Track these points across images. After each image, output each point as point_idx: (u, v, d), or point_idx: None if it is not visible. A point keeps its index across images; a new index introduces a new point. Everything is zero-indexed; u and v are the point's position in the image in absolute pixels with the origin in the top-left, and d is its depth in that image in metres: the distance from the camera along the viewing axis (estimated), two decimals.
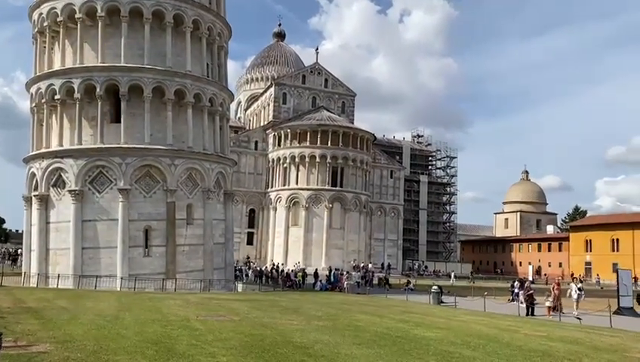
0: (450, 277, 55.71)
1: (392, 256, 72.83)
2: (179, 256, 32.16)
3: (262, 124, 72.95)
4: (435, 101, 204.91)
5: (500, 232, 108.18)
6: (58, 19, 32.75)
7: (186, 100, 33.37)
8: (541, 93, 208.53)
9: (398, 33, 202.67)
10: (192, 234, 33.19)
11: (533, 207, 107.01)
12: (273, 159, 67.48)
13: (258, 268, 47.90)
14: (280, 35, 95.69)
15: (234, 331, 11.65)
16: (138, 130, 31.78)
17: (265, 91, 75.89)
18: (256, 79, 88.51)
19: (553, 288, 23.01)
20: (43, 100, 33.20)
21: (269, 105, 72.25)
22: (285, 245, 63.59)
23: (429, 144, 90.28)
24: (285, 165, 65.41)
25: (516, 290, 28.13)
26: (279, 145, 66.61)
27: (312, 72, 72.37)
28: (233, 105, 73.01)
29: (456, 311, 22.22)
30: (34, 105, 34.22)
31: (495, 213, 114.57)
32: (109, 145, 31.44)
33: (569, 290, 23.34)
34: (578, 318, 20.23)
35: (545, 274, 70.61)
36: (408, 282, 37.59)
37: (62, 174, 31.78)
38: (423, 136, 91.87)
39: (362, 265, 55.13)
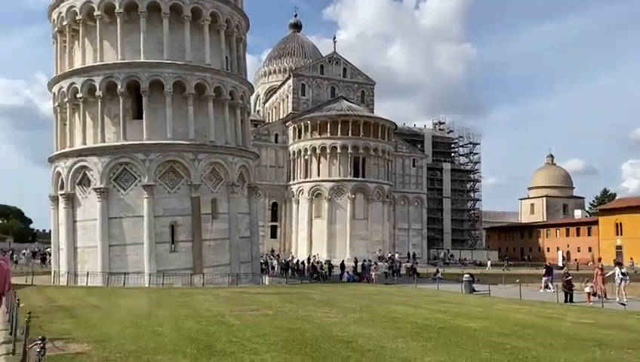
0: (479, 265, 54.82)
1: (417, 245, 72.10)
2: (205, 250, 32.03)
3: (281, 117, 72.59)
4: (453, 87, 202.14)
5: (525, 218, 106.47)
6: (77, 18, 32.68)
7: (206, 94, 33.12)
8: (562, 76, 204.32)
9: (414, 20, 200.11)
10: (218, 229, 33.02)
11: (560, 192, 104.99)
12: (294, 151, 67.11)
13: (284, 261, 47.70)
14: (296, 26, 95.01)
15: (271, 326, 11.29)
16: (160, 125, 31.61)
17: (283, 83, 75.49)
18: (274, 71, 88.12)
19: (596, 274, 22.19)
20: (65, 99, 33.26)
21: (287, 97, 71.85)
22: (309, 237, 63.32)
23: (451, 131, 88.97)
24: (306, 157, 65.01)
25: (544, 278, 27.28)
26: (299, 137, 66.20)
27: (330, 61, 71.68)
28: (252, 99, 72.90)
29: (492, 300, 21.59)
30: (57, 104, 34.31)
31: (520, 199, 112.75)
32: (131, 142, 31.33)
33: (611, 275, 22.49)
34: (622, 304, 19.45)
35: (575, 260, 69.20)
36: (437, 271, 36.92)
37: (87, 172, 31.82)
38: (444, 123, 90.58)
39: (389, 255, 54.59)
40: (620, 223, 71.18)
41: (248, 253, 35.39)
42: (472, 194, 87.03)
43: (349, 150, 62.71)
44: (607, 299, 20.47)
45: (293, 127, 67.17)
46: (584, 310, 17.86)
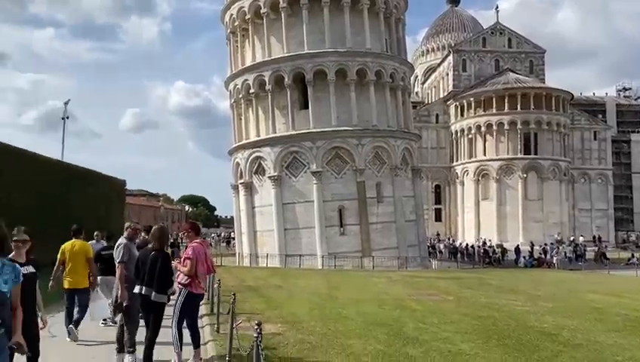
0: None
1: (602, 227, 64.76)
2: (372, 233, 32.30)
3: (441, 96, 70.16)
4: (637, 48, 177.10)
5: None
6: (246, 17, 34.91)
7: (367, 79, 33.17)
8: None
9: None
10: (384, 212, 33.04)
11: None
12: (456, 131, 64.49)
13: (451, 244, 46.27)
14: (454, 1, 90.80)
15: (457, 312, 10.74)
16: (325, 113, 32.44)
17: (442, 61, 72.81)
18: (432, 50, 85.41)
19: None
20: (240, 95, 35.89)
21: (447, 74, 69.13)
22: (476, 220, 60.52)
23: (639, 97, 77.97)
24: (470, 136, 62.02)
25: None
26: (462, 115, 63.35)
27: (492, 33, 67.19)
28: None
29: None
30: (233, 101, 37.20)
31: None
32: (299, 131, 32.68)
33: None
34: None
35: None
36: (632, 255, 32.68)
37: (261, 162, 34.04)
38: (630, 89, 79.69)
39: (571, 238, 49.83)
40: None
41: (415, 236, 34.90)
42: None
43: (519, 125, 58.30)
44: None
45: (455, 106, 64.51)
46: None
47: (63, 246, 8.54)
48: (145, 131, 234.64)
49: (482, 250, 39.53)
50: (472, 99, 61.76)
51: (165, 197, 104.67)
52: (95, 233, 10.83)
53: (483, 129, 60.61)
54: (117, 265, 7.00)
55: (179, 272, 6.25)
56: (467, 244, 47.47)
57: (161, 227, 6.35)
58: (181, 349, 6.21)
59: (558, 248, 36.85)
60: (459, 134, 63.92)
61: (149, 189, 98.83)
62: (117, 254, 7.11)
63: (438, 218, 66.57)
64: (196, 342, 6.30)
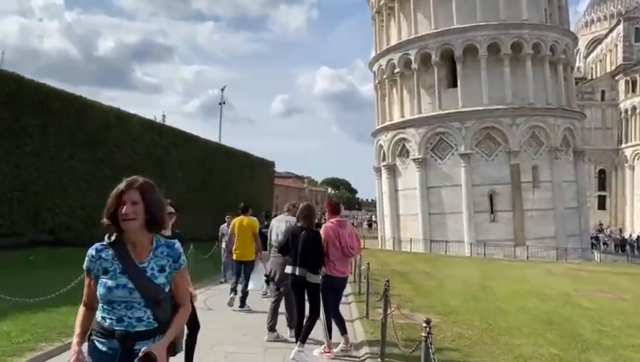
0: None
1: None
2: (527, 221, 29.93)
3: (608, 70, 62.64)
4: None
5: None
6: None
7: (523, 53, 30.55)
8: None
9: None
10: (540, 198, 30.40)
11: None
12: (627, 109, 57.16)
13: (619, 236, 41.34)
14: None
15: None
16: (475, 91, 30.56)
17: (610, 31, 64.85)
18: (597, 20, 76.42)
19: None
20: (384, 76, 35.32)
21: (616, 46, 61.45)
22: None
23: None
24: None
25: None
26: (633, 91, 55.94)
27: None
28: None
29: None
30: (377, 82, 36.78)
31: None
32: (447, 111, 31.23)
33: None
34: None
35: None
36: None
37: (405, 144, 33.23)
38: None
39: None
40: None
41: (576, 225, 31.68)
42: None
43: None
44: None
45: (626, 80, 57.12)
46: None
47: (232, 222, 9.41)
48: (293, 116, 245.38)
49: None
50: None
51: (310, 179, 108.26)
52: (227, 216, 12.79)
53: None
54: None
55: None
56: (638, 236, 42.10)
57: (308, 205, 6.05)
58: (330, 335, 5.99)
59: None
60: (629, 113, 56.60)
61: (295, 171, 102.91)
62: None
63: (601, 206, 59.96)
64: (342, 328, 6.01)
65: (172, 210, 4.62)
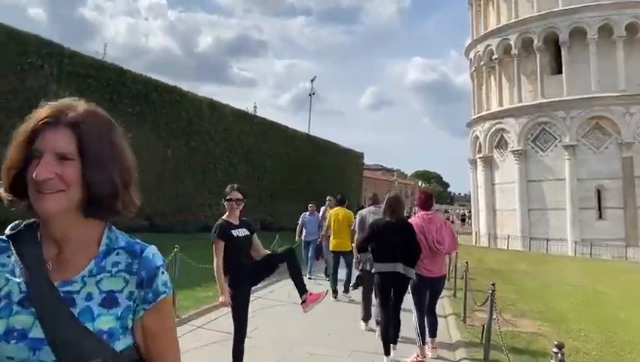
0: None
1: None
2: None
3: None
4: None
5: None
6: None
7: (639, 35, 27.55)
8: None
9: None
10: None
11: None
12: None
13: None
14: None
15: None
16: (581, 78, 28.05)
17: None
18: None
19: None
20: (481, 63, 33.50)
21: None
22: None
23: None
24: None
25: None
26: None
27: None
28: None
29: None
30: (473, 69, 34.98)
31: None
32: (550, 100, 28.98)
33: None
34: None
35: None
36: None
37: (503, 135, 31.33)
38: None
39: None
40: None
41: None
42: None
43: None
44: None
45: None
46: None
47: (330, 213, 9.61)
48: (382, 108, 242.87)
49: None
50: None
51: (399, 172, 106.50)
52: (309, 205, 11.79)
53: None
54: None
55: None
56: None
57: (395, 196, 5.47)
58: (424, 342, 5.51)
59: None
60: None
61: (385, 164, 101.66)
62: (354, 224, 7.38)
63: None
64: (432, 330, 5.61)
65: (239, 196, 4.19)
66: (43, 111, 1.08)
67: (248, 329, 6.14)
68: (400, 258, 5.12)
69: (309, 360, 5.26)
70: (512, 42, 30.50)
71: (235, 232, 4.03)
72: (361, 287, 7.18)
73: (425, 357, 5.37)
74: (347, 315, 7.51)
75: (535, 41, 29.35)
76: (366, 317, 6.72)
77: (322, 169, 27.74)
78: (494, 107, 32.50)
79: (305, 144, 26.52)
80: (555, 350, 3.01)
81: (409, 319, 5.72)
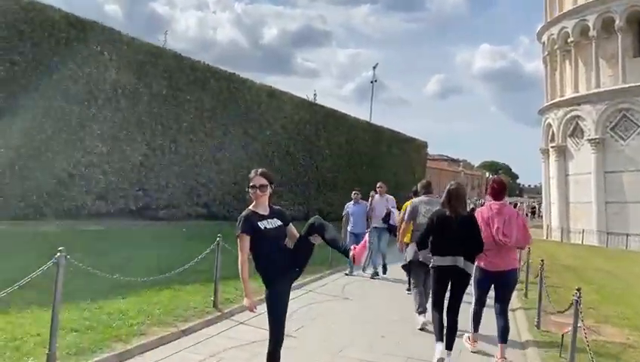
0: None
1: None
2: None
3: None
4: None
5: None
6: None
7: None
8: None
9: None
10: None
11: None
12: None
13: None
14: None
15: None
16: None
17: None
18: None
19: None
20: (555, 46, 31.41)
21: None
22: None
23: None
24: None
25: None
26: None
27: None
28: None
29: None
30: (546, 53, 32.90)
31: None
32: (633, 84, 26.65)
33: None
34: None
35: None
36: None
37: (579, 122, 29.25)
38: None
39: None
40: None
41: None
42: None
43: None
44: None
45: None
46: None
47: (404, 205, 8.54)
48: (449, 97, 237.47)
49: None
50: None
51: (465, 162, 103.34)
52: (353, 193, 10.47)
53: None
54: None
55: None
56: None
57: (456, 188, 5.03)
58: (476, 330, 5.41)
59: None
60: None
61: (450, 154, 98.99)
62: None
63: None
64: (502, 335, 5.15)
65: (263, 181, 3.54)
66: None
67: (293, 326, 5.75)
68: (461, 252, 4.82)
69: None
70: (590, 23, 28.29)
71: (263, 224, 3.45)
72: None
73: (475, 341, 5.28)
74: (403, 314, 6.89)
75: (617, 21, 27.06)
76: (421, 310, 6.32)
77: (384, 158, 26.95)
78: (569, 93, 30.40)
79: (366, 132, 25.81)
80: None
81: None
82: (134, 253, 8.73)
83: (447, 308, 4.93)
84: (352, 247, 3.48)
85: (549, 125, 31.98)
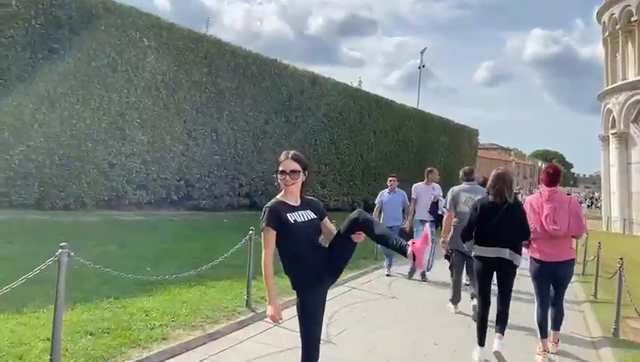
0: None
1: None
2: None
3: None
4: None
5: None
6: None
7: None
8: None
9: None
10: None
11: None
12: None
13: None
14: None
15: None
16: None
17: None
18: None
19: None
20: (617, 27, 29.39)
21: None
22: None
23: None
24: None
25: None
26: None
27: None
28: None
29: None
30: (606, 34, 30.88)
31: None
32: None
33: None
34: None
35: None
36: None
37: None
38: None
39: None
40: None
41: None
42: None
43: None
44: None
45: None
46: None
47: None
48: (498, 84, 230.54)
49: None
50: None
51: (517, 151, 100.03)
52: (389, 179, 9.19)
53: None
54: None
55: None
56: None
57: (502, 173, 4.84)
58: (544, 336, 4.89)
59: None
60: None
61: (500, 143, 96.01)
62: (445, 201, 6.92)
63: None
64: (555, 323, 5.07)
65: (295, 166, 2.92)
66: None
67: (333, 331, 5.16)
68: (507, 242, 4.63)
69: None
70: None
71: (292, 216, 2.86)
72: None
73: (546, 349, 4.84)
74: (457, 316, 6.22)
75: None
76: (455, 300, 6.38)
77: (433, 146, 25.96)
78: (632, 76, 28.40)
79: (413, 119, 24.84)
80: None
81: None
82: (170, 245, 8.39)
83: (498, 301, 4.70)
84: (409, 243, 2.87)
85: (610, 111, 30.05)
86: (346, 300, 6.49)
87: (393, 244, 2.85)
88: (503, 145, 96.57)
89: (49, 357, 3.28)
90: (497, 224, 4.57)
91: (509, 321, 4.74)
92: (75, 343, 3.71)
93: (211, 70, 14.15)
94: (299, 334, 2.90)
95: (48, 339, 3.61)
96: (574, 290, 8.75)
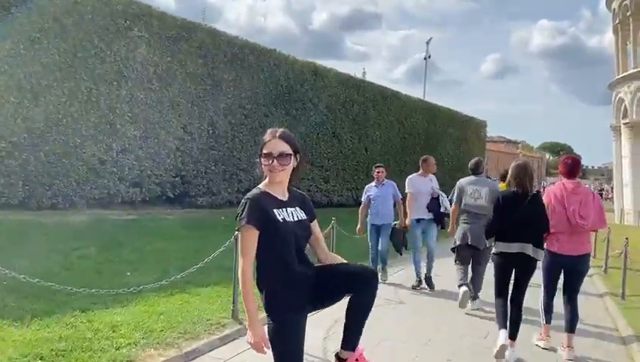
0: None
1: None
2: None
3: None
4: None
5: None
6: None
7: None
8: None
9: None
10: None
11: None
12: None
13: None
14: None
15: None
16: None
17: None
18: None
19: None
20: (628, 13, 28.54)
21: None
22: None
23: None
24: None
25: None
26: None
27: None
28: None
29: None
30: (617, 21, 30.04)
31: None
32: None
33: None
34: None
35: None
36: None
37: None
38: None
39: None
40: None
41: None
42: None
43: None
44: None
45: None
46: None
47: None
48: (505, 76, 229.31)
49: None
50: None
51: (524, 143, 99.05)
52: (376, 170, 8.02)
53: None
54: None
55: None
56: None
57: (521, 164, 4.74)
58: (548, 322, 4.96)
59: None
60: None
61: (508, 136, 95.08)
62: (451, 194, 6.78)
63: None
64: (570, 325, 4.80)
65: (285, 147, 2.30)
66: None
67: (332, 345, 4.56)
68: (530, 237, 4.52)
69: None
70: None
71: (280, 213, 2.23)
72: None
73: (548, 336, 4.94)
74: (471, 324, 5.59)
75: None
76: (462, 283, 6.08)
77: (439, 139, 25.25)
78: None
79: (419, 111, 24.13)
80: None
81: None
82: (159, 246, 7.79)
83: (511, 299, 4.62)
84: (359, 352, 2.53)
85: (621, 100, 29.23)
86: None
87: (354, 330, 2.49)
88: (511, 138, 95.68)
89: None
90: (520, 217, 4.47)
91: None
92: None
93: (207, 61, 13.53)
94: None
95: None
96: (596, 285, 8.26)
